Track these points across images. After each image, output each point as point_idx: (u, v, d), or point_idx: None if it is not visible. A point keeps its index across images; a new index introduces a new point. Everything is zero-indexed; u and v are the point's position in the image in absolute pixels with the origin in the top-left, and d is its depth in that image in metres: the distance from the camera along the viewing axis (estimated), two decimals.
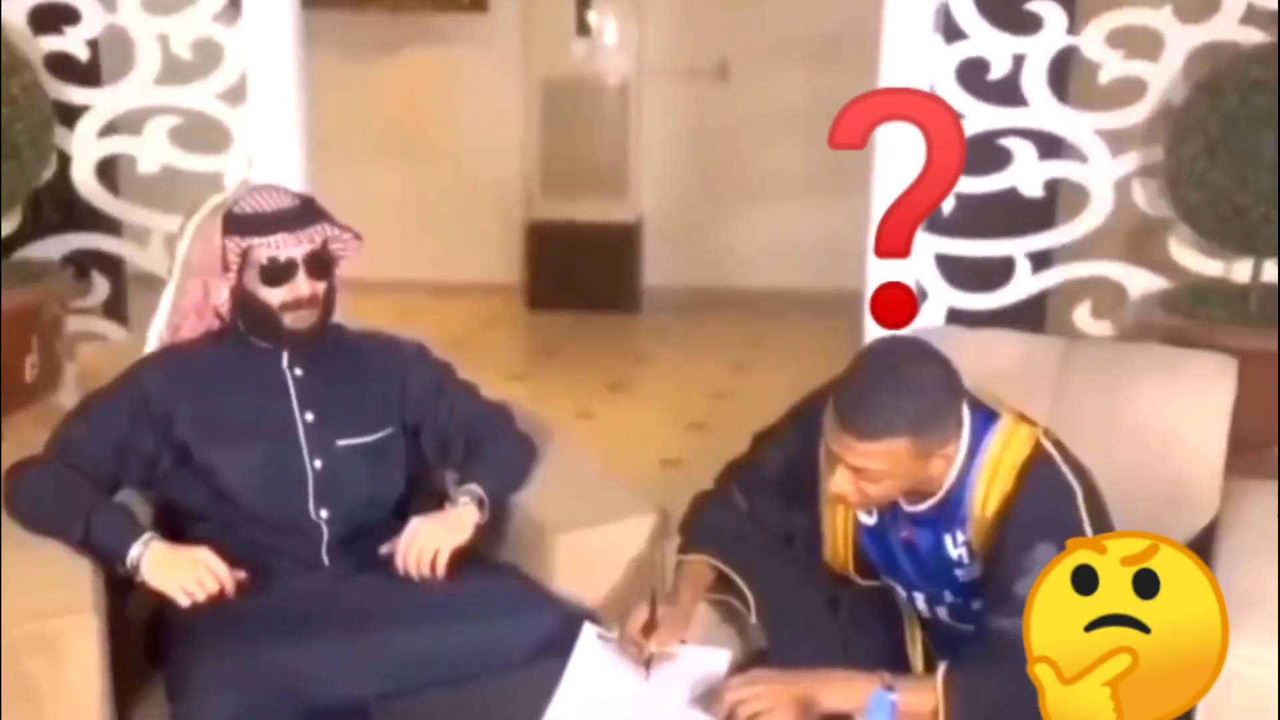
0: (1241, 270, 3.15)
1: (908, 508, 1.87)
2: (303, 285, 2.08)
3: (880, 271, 3.19)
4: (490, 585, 2.05)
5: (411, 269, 5.50)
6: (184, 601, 1.95)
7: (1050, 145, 3.22)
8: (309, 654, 1.91)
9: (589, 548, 2.17)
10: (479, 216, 5.93)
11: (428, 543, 2.04)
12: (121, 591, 2.16)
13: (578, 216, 5.76)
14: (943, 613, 1.95)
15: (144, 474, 2.12)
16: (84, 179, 3.31)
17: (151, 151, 3.28)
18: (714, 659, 1.88)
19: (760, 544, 2.03)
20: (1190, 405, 2.22)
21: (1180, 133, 3.01)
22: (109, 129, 3.29)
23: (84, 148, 3.28)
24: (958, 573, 1.87)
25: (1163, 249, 3.27)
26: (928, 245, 3.18)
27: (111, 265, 3.57)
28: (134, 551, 1.96)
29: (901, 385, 1.71)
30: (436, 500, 2.20)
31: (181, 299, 2.31)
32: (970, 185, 3.15)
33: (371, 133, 5.75)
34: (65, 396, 3.04)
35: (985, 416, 1.83)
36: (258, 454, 2.10)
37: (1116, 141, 3.16)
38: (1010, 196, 3.18)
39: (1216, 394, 2.32)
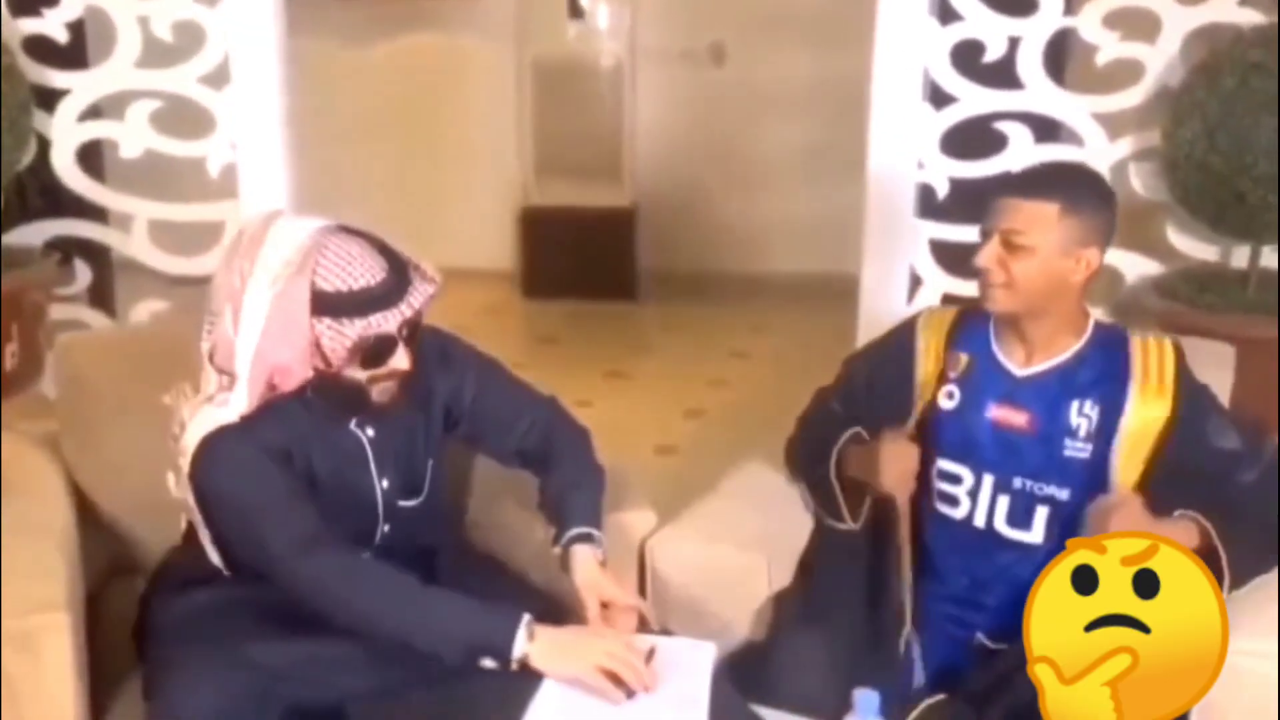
0: (1239, 256, 3.12)
1: (1025, 370, 2.01)
2: (401, 360, 1.84)
3: (876, 256, 3.18)
4: (471, 581, 2.02)
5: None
6: (608, 686, 1.71)
7: (1046, 129, 3.19)
8: (287, 652, 1.87)
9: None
10: (472, 202, 5.90)
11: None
12: (99, 589, 2.15)
13: (572, 202, 5.72)
14: (1001, 509, 2.02)
15: None
16: (64, 164, 3.27)
17: (134, 136, 3.23)
18: (700, 652, 1.84)
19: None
20: None
21: (1178, 116, 2.98)
22: (90, 113, 3.25)
23: (64, 132, 3.24)
24: (1066, 444, 1.98)
25: (1159, 234, 3.23)
26: (922, 231, 3.14)
27: (95, 252, 3.53)
28: (519, 646, 1.73)
29: (1065, 170, 2.11)
30: None
31: (254, 385, 1.83)
32: (965, 169, 3.11)
33: (363, 117, 5.71)
34: (47, 386, 3.00)
35: (1112, 326, 2.06)
36: (339, 523, 1.88)
37: (1113, 125, 3.12)
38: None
39: (1215, 381, 2.27)
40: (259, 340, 1.79)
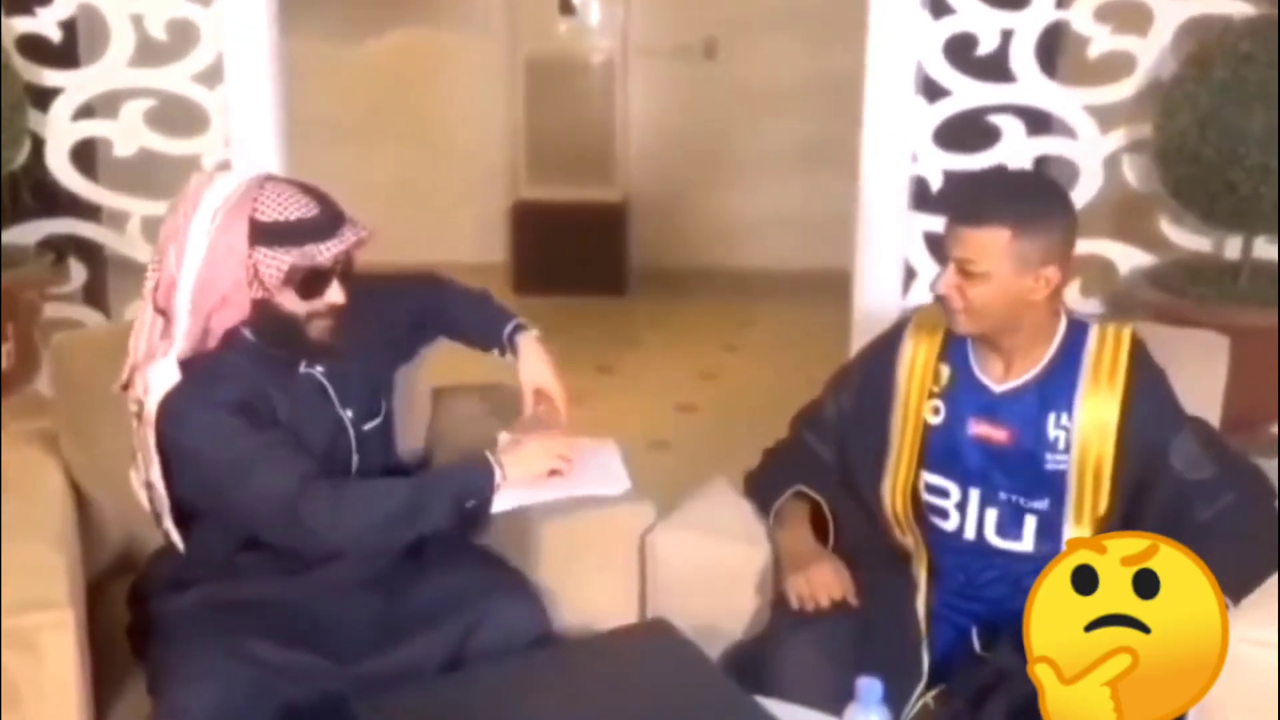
0: (1232, 247, 3.13)
1: (1002, 386, 2.01)
2: (336, 294, 1.93)
3: (869, 249, 3.19)
4: (470, 578, 2.03)
5: (394, 251, 5.33)
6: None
7: (1039, 121, 3.19)
8: (288, 648, 1.88)
9: (573, 535, 2.14)
10: (463, 197, 5.87)
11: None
12: (99, 587, 2.15)
13: (563, 197, 5.70)
14: (990, 521, 2.04)
15: None
16: (58, 163, 3.26)
17: (127, 134, 3.23)
18: (606, 446, 2.15)
19: (835, 481, 2.18)
20: (1182, 384, 2.19)
21: (1169, 108, 2.98)
22: (84, 112, 3.24)
23: (58, 131, 3.23)
24: (1047, 458, 1.99)
25: (1152, 225, 3.24)
26: (916, 224, 3.15)
27: (90, 251, 3.52)
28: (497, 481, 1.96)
29: (1009, 181, 2.06)
30: None
31: (194, 318, 1.91)
32: (958, 162, 3.12)
33: (354, 113, 5.68)
34: (43, 385, 2.99)
35: (1079, 322, 2.05)
36: (319, 460, 1.97)
37: (1105, 117, 3.13)
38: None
39: (1209, 373, 2.32)
40: (200, 269, 1.88)
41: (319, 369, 2.03)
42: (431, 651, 1.94)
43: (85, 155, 3.38)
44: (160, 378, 1.90)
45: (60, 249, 3.42)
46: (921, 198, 3.16)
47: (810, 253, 5.29)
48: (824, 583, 2.02)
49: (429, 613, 1.98)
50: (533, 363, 2.18)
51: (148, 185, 3.34)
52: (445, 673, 1.92)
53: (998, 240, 1.88)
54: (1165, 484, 1.98)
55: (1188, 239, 3.20)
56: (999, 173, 2.15)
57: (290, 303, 1.91)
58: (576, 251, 5.69)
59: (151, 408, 1.89)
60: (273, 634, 1.90)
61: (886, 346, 2.17)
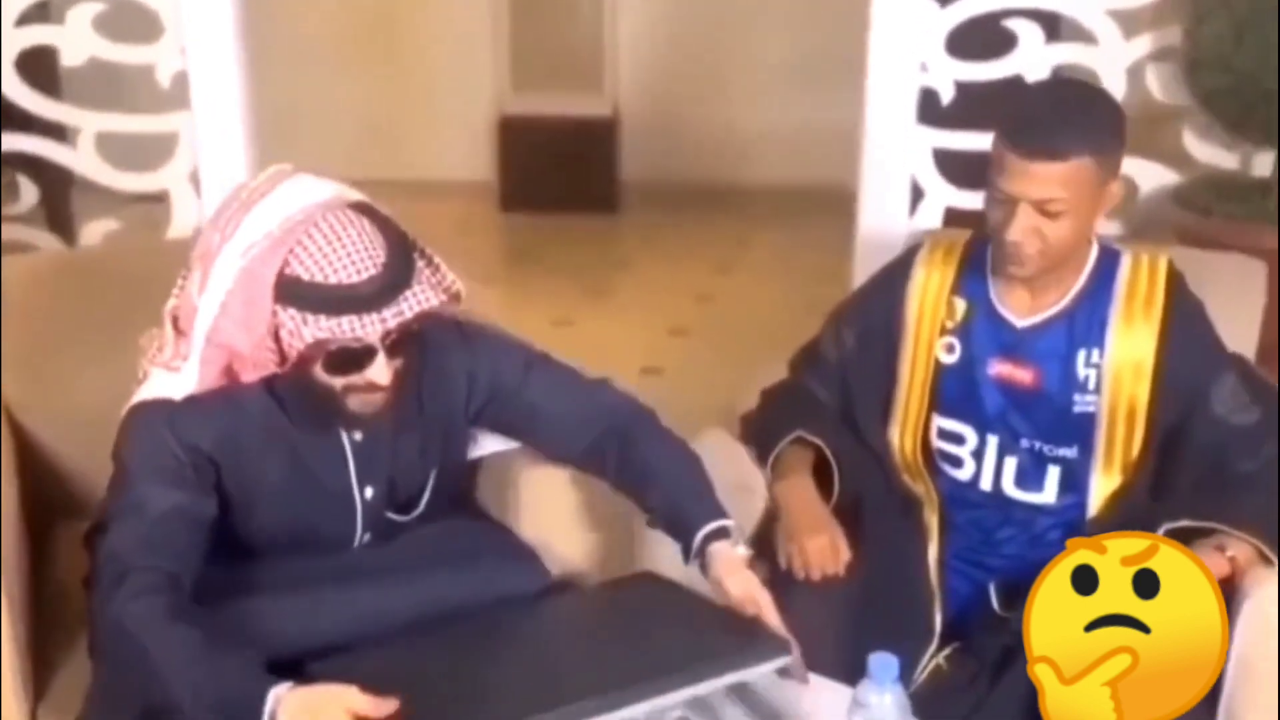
0: (1262, 163, 2.94)
1: (1026, 320, 1.85)
2: (380, 373, 1.59)
3: (874, 166, 3.00)
4: (461, 531, 1.87)
5: (375, 168, 5.20)
6: None
7: (1058, 27, 2.99)
8: (251, 595, 1.68)
9: (556, 487, 1.97)
10: (447, 112, 5.64)
11: None
12: (44, 532, 2.00)
13: (551, 111, 5.48)
14: (1009, 470, 1.89)
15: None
16: (3, 73, 3.04)
17: (75, 41, 3.00)
18: None
19: (839, 425, 2.01)
20: (1217, 312, 2.04)
21: (1201, 13, 2.80)
22: (28, 18, 3.01)
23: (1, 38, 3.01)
24: (1075, 400, 1.83)
25: (1174, 140, 3.04)
26: (925, 139, 2.96)
27: (52, 171, 3.31)
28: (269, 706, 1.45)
29: (1082, 102, 1.78)
30: None
31: (207, 366, 1.63)
32: (971, 72, 2.92)
33: (332, 26, 5.44)
34: None
35: (1110, 248, 1.88)
36: (304, 529, 1.75)
37: (1129, 22, 2.91)
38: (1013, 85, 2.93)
39: (1243, 300, 2.19)
40: (216, 314, 1.58)
41: (355, 435, 1.74)
42: (409, 603, 1.77)
43: (45, 67, 3.17)
44: (153, 385, 1.66)
45: (19, 166, 3.22)
46: (930, 111, 2.96)
47: (810, 169, 5.11)
48: (819, 553, 1.84)
49: (410, 562, 1.79)
50: (740, 580, 1.67)
51: (101, 97, 3.13)
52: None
53: (1082, 172, 1.71)
54: (1204, 429, 1.82)
55: (1214, 155, 3.00)
56: (1055, 90, 1.90)
57: (323, 377, 1.60)
58: (565, 168, 5.49)
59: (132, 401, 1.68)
60: (236, 582, 1.71)
61: (893, 277, 1.99)
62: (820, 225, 4.46)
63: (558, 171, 5.48)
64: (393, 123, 5.56)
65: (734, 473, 2.00)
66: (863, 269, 2.99)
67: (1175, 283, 1.85)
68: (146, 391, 1.67)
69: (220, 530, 1.71)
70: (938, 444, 1.94)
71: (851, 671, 1.66)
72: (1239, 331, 2.08)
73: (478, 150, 5.67)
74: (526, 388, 1.84)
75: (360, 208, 1.61)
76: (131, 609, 1.53)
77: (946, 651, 1.88)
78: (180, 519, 1.62)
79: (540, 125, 5.49)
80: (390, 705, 1.43)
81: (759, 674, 1.55)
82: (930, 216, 2.98)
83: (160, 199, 3.06)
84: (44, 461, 2.14)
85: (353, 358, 1.57)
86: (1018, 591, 1.85)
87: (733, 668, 1.54)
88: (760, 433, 2.05)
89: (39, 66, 3.13)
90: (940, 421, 1.93)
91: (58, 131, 3.21)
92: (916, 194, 3.00)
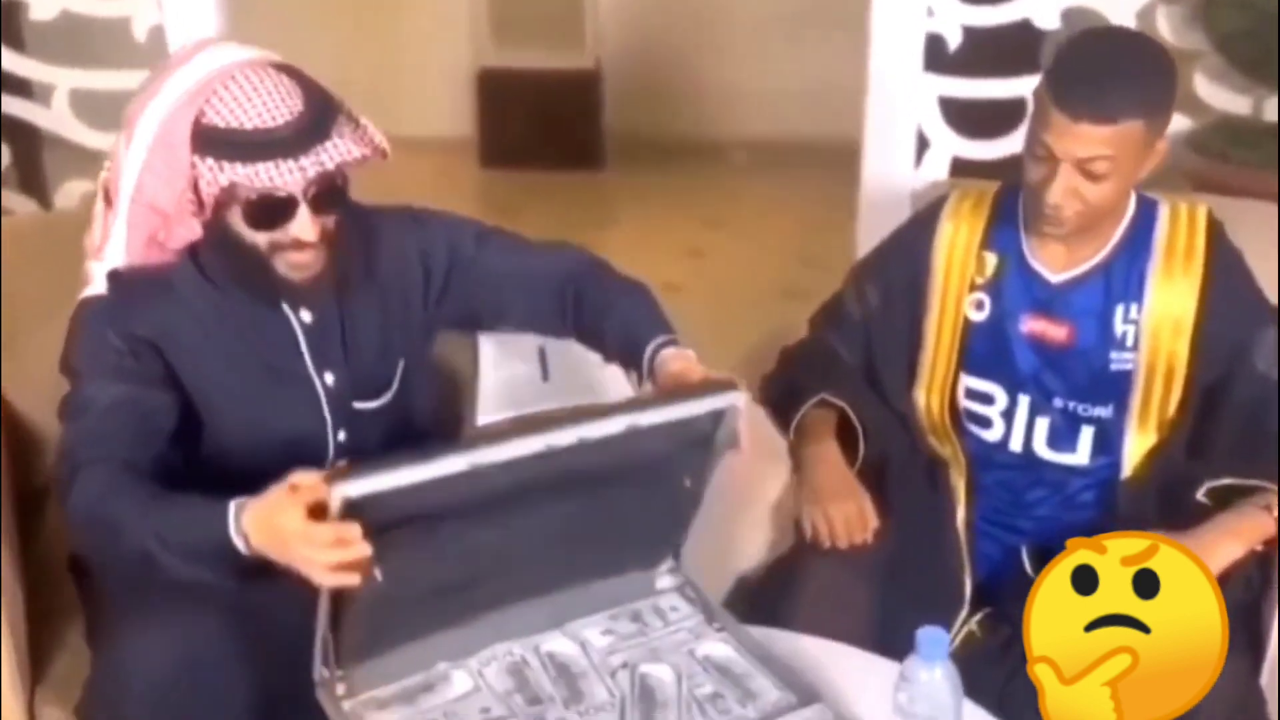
0: (1275, 108, 2.86)
1: (1061, 275, 1.78)
2: (304, 228, 1.56)
3: (878, 115, 2.91)
4: None
5: None
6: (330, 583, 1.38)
7: None
8: (263, 581, 1.59)
9: None
10: (425, 65, 5.53)
11: None
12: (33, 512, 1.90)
13: (532, 64, 5.36)
14: (1040, 431, 1.83)
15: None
16: None
17: None
18: None
19: (863, 385, 1.94)
20: None
21: None
22: None
23: None
24: (1112, 358, 1.77)
25: (1185, 84, 2.96)
26: (931, 86, 2.86)
27: (19, 130, 3.19)
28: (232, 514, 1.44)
29: (1133, 61, 1.67)
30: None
31: (134, 231, 1.63)
32: (978, 17, 2.82)
33: None
34: None
35: (1147, 198, 1.80)
36: (272, 428, 1.67)
37: None
38: (1022, 30, 2.83)
39: (1264, 246, 2.06)
40: (139, 171, 1.58)
41: (304, 315, 1.70)
42: None
43: (13, 22, 3.04)
44: (91, 280, 1.65)
45: None
46: (935, 58, 2.87)
47: (800, 122, 5.03)
48: (846, 521, 1.78)
49: None
50: (683, 363, 1.67)
51: (75, 53, 3.01)
52: None
53: (1131, 134, 1.63)
54: (1245, 385, 1.75)
55: (1226, 99, 2.92)
56: (1107, 43, 1.75)
57: (245, 230, 1.57)
58: (546, 122, 5.38)
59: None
60: (242, 566, 1.62)
61: (919, 231, 1.91)
62: (811, 178, 4.38)
63: (539, 126, 5.38)
64: (370, 76, 5.42)
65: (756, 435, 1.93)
66: (866, 222, 2.92)
67: (1216, 234, 1.79)
68: (85, 292, 1.65)
69: (201, 462, 1.66)
70: (965, 404, 1.87)
71: (880, 643, 1.62)
72: (1259, 279, 2.01)
73: (457, 105, 5.56)
74: (483, 254, 1.83)
75: (282, 66, 1.59)
76: (89, 491, 1.52)
77: (978, 617, 1.82)
78: (127, 410, 1.59)
79: (521, 79, 5.38)
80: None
81: (701, 409, 1.51)
82: (936, 168, 2.89)
83: None
84: (29, 438, 2.04)
85: (274, 209, 1.55)
86: (1051, 554, 1.80)
87: (675, 402, 1.52)
88: (781, 395, 1.97)
89: (7, 21, 3.01)
90: (969, 381, 1.86)
91: (26, 89, 3.09)
92: (922, 145, 2.91)
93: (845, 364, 1.96)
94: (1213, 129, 2.89)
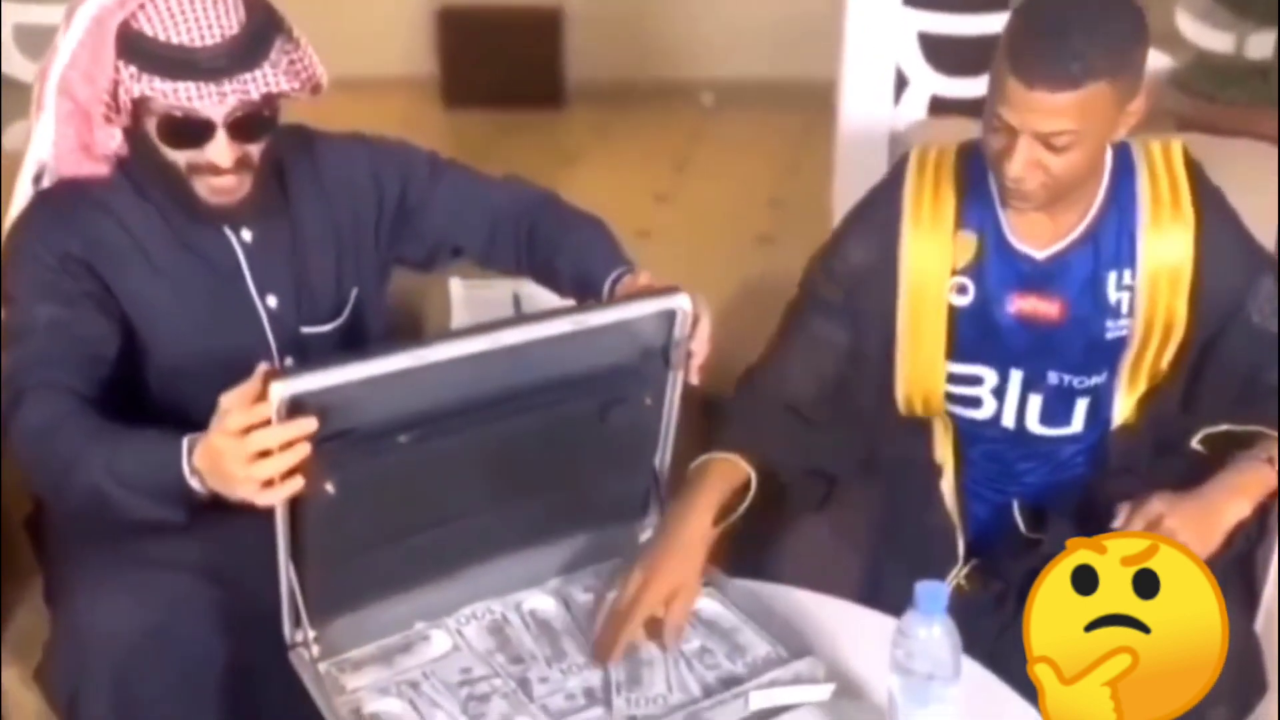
0: (1259, 45, 2.82)
1: (1048, 249, 1.66)
2: (220, 153, 1.51)
3: (855, 52, 2.83)
4: None
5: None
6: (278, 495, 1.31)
7: None
8: (217, 545, 1.53)
9: None
10: (385, 2, 5.37)
11: None
12: None
13: (494, 0, 5.26)
14: (1033, 408, 1.73)
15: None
16: None
17: None
18: None
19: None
20: (1234, 201, 1.92)
21: None
22: None
23: None
24: (1108, 326, 1.66)
25: (1164, 21, 2.91)
26: (909, 22, 2.79)
27: None
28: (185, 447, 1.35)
29: (1094, 19, 1.47)
30: None
31: (62, 132, 1.58)
32: None
33: None
34: None
35: (1119, 146, 1.65)
36: (215, 352, 1.58)
37: None
38: None
39: (1260, 186, 2.02)
40: (66, 65, 1.53)
41: (244, 234, 1.64)
42: None
43: None
44: (19, 193, 1.59)
45: None
46: None
47: (770, 62, 4.95)
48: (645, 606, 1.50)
49: None
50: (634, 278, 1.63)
51: None
52: None
53: (1097, 99, 1.47)
54: (1237, 336, 1.67)
55: (1209, 36, 2.87)
56: (1068, 6, 1.50)
57: (163, 147, 1.52)
58: (510, 61, 5.27)
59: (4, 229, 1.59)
60: (203, 527, 1.54)
61: (880, 215, 1.73)
62: (780, 120, 4.30)
63: (501, 65, 5.26)
64: (329, 14, 5.28)
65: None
66: (845, 163, 2.86)
67: (1196, 172, 1.68)
68: (15, 202, 1.60)
69: (147, 390, 1.61)
70: (952, 388, 1.76)
71: (870, 602, 1.58)
72: (1255, 220, 1.94)
73: (418, 43, 5.43)
74: (437, 183, 1.79)
75: None
76: (33, 420, 1.44)
77: (965, 570, 1.77)
78: (67, 333, 1.52)
79: (482, 15, 5.27)
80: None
81: (647, 309, 1.47)
82: (915, 107, 2.82)
83: None
84: None
85: (189, 129, 1.50)
86: (1043, 512, 1.76)
87: (621, 304, 1.50)
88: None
89: None
90: (954, 367, 1.74)
91: None
92: (900, 83, 2.84)
93: (775, 405, 1.74)
94: (1197, 68, 2.84)
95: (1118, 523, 1.58)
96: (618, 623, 1.48)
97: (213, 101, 1.47)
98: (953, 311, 1.71)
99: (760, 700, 1.41)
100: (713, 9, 5.28)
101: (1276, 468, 1.60)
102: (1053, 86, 1.46)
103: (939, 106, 2.83)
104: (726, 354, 1.84)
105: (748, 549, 1.71)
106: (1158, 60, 2.80)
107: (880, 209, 1.73)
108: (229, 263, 1.64)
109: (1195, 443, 1.71)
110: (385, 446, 1.35)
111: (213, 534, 1.51)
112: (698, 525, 1.56)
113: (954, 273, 1.69)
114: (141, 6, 1.47)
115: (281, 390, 1.24)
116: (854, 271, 1.73)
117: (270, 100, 1.53)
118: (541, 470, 1.51)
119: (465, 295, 1.91)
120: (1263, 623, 1.67)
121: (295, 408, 1.26)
